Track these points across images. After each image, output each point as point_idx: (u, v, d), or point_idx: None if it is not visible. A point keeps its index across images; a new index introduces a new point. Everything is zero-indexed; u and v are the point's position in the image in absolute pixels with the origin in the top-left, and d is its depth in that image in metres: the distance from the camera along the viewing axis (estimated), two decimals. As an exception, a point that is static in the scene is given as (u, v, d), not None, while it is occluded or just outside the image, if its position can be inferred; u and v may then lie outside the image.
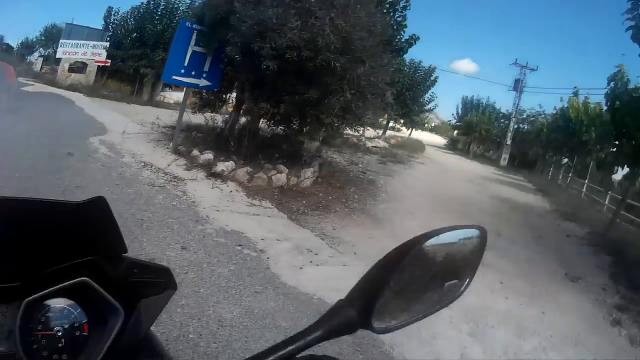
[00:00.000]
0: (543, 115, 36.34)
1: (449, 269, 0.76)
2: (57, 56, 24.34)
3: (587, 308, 6.16)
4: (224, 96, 10.51)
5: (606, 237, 10.86)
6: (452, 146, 44.65)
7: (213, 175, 7.35)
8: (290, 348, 0.59)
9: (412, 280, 0.68)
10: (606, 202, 17.80)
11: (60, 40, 23.95)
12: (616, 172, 13.84)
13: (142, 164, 7.83)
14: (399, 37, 13.36)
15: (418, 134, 38.94)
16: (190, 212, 5.62)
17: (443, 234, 0.72)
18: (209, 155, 8.02)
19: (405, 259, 0.65)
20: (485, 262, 6.03)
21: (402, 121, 29.19)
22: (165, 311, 3.35)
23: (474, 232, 0.79)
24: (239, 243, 5.03)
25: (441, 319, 4.59)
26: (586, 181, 22.25)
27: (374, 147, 18.72)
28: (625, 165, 9.54)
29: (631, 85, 9.15)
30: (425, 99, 26.40)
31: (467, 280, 0.79)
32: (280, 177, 7.92)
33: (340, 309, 0.62)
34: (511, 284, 6.30)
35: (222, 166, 7.61)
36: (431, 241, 0.69)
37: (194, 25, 8.63)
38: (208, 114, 10.04)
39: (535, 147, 29.11)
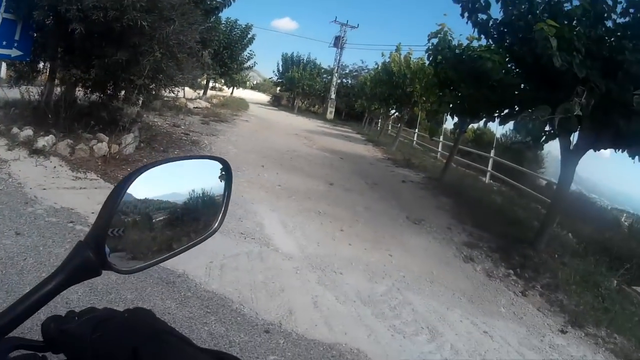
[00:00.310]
0: (366, 70, 38.42)
1: (198, 204, 0.77)
2: None
3: (435, 247, 6.50)
4: (38, 66, 9.26)
5: (442, 181, 11.69)
6: (276, 103, 45.21)
7: (35, 152, 6.82)
8: (32, 300, 0.57)
9: (143, 221, 0.71)
10: (439, 149, 19.29)
11: None
12: (446, 121, 14.83)
13: (-41, 151, 6.79)
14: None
15: (241, 93, 38.52)
16: (18, 195, 5.17)
17: (178, 162, 0.77)
18: (28, 132, 7.37)
19: (120, 195, 0.63)
20: (321, 211, 6.01)
21: (222, 80, 28.76)
22: (16, 298, 2.68)
23: (214, 164, 0.81)
24: (70, 220, 4.73)
25: (284, 271, 4.55)
26: (416, 130, 23.83)
27: (196, 107, 18.16)
28: (452, 114, 10.13)
29: (454, 42, 9.68)
30: (244, 57, 26.05)
31: (221, 214, 0.80)
32: (102, 146, 7.55)
33: (78, 252, 0.61)
34: (352, 230, 6.40)
35: (43, 141, 7.08)
36: (167, 170, 0.72)
37: None
38: (24, 87, 8.93)
39: (361, 100, 30.31)
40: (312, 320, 3.62)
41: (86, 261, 0.62)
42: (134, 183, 0.67)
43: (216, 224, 0.81)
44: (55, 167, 6.40)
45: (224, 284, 3.92)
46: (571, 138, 6.72)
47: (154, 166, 0.71)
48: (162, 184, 0.74)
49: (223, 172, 0.83)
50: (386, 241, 6.15)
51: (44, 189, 5.51)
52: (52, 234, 4.28)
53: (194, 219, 0.80)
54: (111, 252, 0.66)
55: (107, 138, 7.79)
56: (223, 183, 0.84)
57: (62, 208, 4.99)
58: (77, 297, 3.16)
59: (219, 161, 0.83)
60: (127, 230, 0.71)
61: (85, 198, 5.48)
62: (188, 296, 3.58)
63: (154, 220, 0.74)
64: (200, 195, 0.80)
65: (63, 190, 5.63)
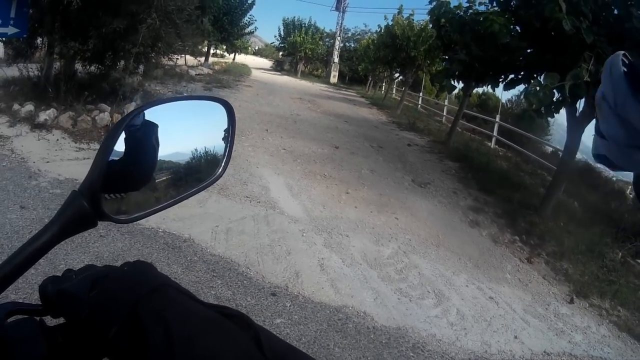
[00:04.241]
0: (369, 33, 37.67)
1: (201, 163, 0.74)
2: None
3: (441, 211, 6.49)
4: (36, 42, 9.13)
5: (448, 145, 11.54)
6: (279, 67, 44.49)
7: (37, 126, 6.82)
8: (25, 255, 0.54)
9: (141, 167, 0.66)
10: (444, 113, 19.05)
11: None
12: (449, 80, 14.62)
13: (-39, 130, 6.79)
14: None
15: (243, 59, 37.90)
16: (22, 169, 5.17)
17: (177, 102, 0.71)
18: (29, 107, 7.36)
19: (112, 140, 0.60)
20: (326, 174, 5.94)
21: (223, 47, 28.24)
22: (23, 278, 2.62)
23: (217, 106, 0.77)
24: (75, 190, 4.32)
25: (291, 234, 4.54)
26: (421, 94, 23.47)
27: (198, 74, 17.85)
28: (458, 78, 9.95)
29: (454, 4, 9.57)
30: (245, 22, 25.54)
31: (224, 161, 0.77)
32: (104, 116, 7.54)
33: (72, 202, 0.58)
34: (358, 193, 6.36)
35: (44, 115, 7.07)
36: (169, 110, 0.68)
37: None
38: (22, 64, 8.82)
39: (364, 64, 29.82)
40: (319, 283, 3.62)
41: (81, 211, 0.57)
42: (127, 124, 0.62)
43: (219, 170, 0.77)
44: (57, 139, 6.40)
45: (230, 247, 3.91)
46: (577, 105, 6.60)
47: (150, 106, 0.65)
48: (162, 127, 0.68)
49: (226, 115, 0.79)
50: (392, 204, 6.12)
51: (47, 162, 5.52)
52: (57, 205, 4.20)
53: (198, 179, 0.76)
54: (114, 214, 0.62)
55: (109, 108, 7.78)
56: (224, 126, 0.79)
57: (66, 179, 5.00)
58: (81, 265, 3.13)
59: (220, 103, 0.78)
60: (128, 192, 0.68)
61: (89, 168, 5.42)
62: (194, 260, 3.57)
63: (157, 181, 0.70)
64: (203, 154, 0.76)
65: (67, 162, 5.64)
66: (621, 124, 0.48)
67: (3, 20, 7.37)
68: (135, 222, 3.58)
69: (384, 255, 4.46)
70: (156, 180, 0.71)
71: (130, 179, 0.67)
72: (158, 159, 0.69)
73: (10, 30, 7.60)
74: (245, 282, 3.42)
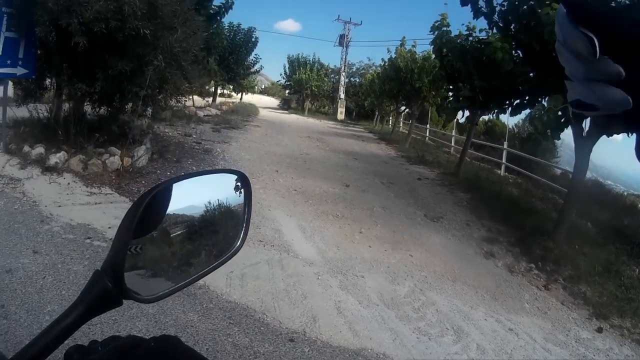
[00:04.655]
0: (373, 67, 38.16)
1: (215, 215, 0.76)
2: None
3: (455, 245, 6.47)
4: (45, 83, 9.28)
5: (458, 176, 11.58)
6: (286, 106, 44.88)
7: (48, 169, 6.89)
8: (51, 336, 0.55)
9: (164, 244, 0.69)
10: (452, 144, 19.12)
11: None
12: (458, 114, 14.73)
13: (-27, 172, 6.87)
14: (212, 1, 12.85)
15: (250, 98, 38.41)
16: (34, 213, 5.20)
17: (192, 178, 0.73)
18: (40, 149, 7.43)
19: (135, 219, 0.60)
20: (339, 214, 5.99)
21: (230, 86, 28.67)
22: (35, 320, 3.02)
23: (232, 177, 0.80)
24: (87, 236, 4.76)
25: (306, 277, 4.54)
26: (428, 126, 23.60)
27: (206, 115, 18.12)
28: (463, 107, 10.06)
29: (455, 32, 9.69)
30: (250, 61, 26.03)
31: (243, 231, 0.79)
32: (114, 160, 7.62)
33: (96, 282, 0.59)
34: (371, 232, 6.35)
35: (55, 158, 7.16)
36: (183, 186, 0.69)
37: (3, 9, 7.36)
38: (31, 105, 8.95)
39: (370, 99, 30.11)
40: (336, 327, 3.62)
41: (105, 291, 0.59)
42: (146, 204, 0.64)
43: (239, 242, 0.80)
44: (69, 183, 6.47)
45: (246, 293, 3.93)
46: (583, 125, 6.64)
47: (166, 185, 0.68)
48: (179, 201, 0.72)
49: (240, 186, 0.82)
50: (406, 241, 6.12)
51: (59, 206, 5.56)
52: (70, 250, 4.33)
53: (213, 232, 0.79)
54: (130, 270, 0.63)
55: (119, 151, 7.83)
56: (242, 197, 0.83)
57: (78, 224, 5.03)
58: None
59: (236, 174, 0.81)
60: (145, 247, 0.70)
61: (101, 213, 5.53)
62: (210, 308, 3.60)
63: (172, 235, 0.73)
64: (217, 206, 0.79)
65: (78, 207, 5.68)
66: (575, 58, 0.54)
67: (12, 60, 7.58)
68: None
69: (400, 295, 4.45)
70: (171, 235, 0.73)
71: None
72: (172, 213, 0.72)
73: (19, 70, 7.82)
74: (262, 328, 3.43)
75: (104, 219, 5.33)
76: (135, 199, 0.63)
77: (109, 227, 5.06)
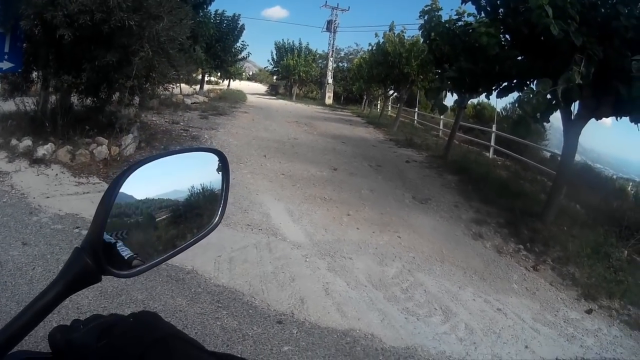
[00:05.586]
0: (361, 52, 37.97)
1: (199, 199, 0.76)
2: None
3: (443, 226, 6.48)
4: (31, 76, 9.30)
5: (446, 159, 11.62)
6: (274, 92, 44.60)
7: (35, 161, 6.86)
8: (31, 313, 0.55)
9: (141, 221, 0.69)
10: (440, 127, 19.11)
11: None
12: (445, 98, 14.63)
13: (-40, 166, 6.79)
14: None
15: (238, 85, 38.19)
16: (22, 205, 5.17)
17: (171, 156, 0.73)
18: (27, 142, 7.41)
19: (112, 197, 0.62)
20: (327, 197, 5.96)
21: (218, 74, 28.29)
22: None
23: (210, 156, 0.80)
24: (76, 225, 4.75)
25: (294, 259, 4.55)
26: (416, 109, 23.57)
27: (194, 103, 17.99)
28: (452, 90, 9.99)
29: (445, 17, 9.60)
30: (237, 48, 25.79)
31: (220, 208, 0.79)
32: (102, 149, 7.56)
33: (76, 259, 0.59)
34: (359, 214, 6.35)
35: (43, 150, 7.11)
36: (162, 164, 0.70)
37: None
38: (18, 99, 8.91)
39: (358, 83, 30.00)
40: (325, 308, 3.61)
41: (84, 268, 0.59)
42: (127, 181, 0.65)
43: (217, 219, 0.80)
44: (57, 174, 6.42)
45: (234, 277, 3.91)
46: (572, 108, 6.64)
47: (145, 163, 0.68)
48: (159, 181, 0.73)
49: (220, 164, 0.81)
50: (394, 223, 6.12)
51: (48, 197, 5.52)
52: (59, 241, 4.29)
53: (197, 215, 0.79)
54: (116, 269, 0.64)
55: (107, 141, 7.79)
56: (220, 175, 0.82)
57: (66, 214, 5.00)
58: (87, 302, 3.18)
59: (214, 153, 0.81)
60: (131, 232, 0.70)
61: (89, 202, 5.47)
62: (198, 292, 3.57)
63: (157, 220, 0.73)
64: (201, 190, 0.79)
65: (67, 197, 5.64)
66: None
67: None
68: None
69: (388, 275, 4.44)
70: (156, 219, 0.73)
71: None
72: (156, 197, 0.73)
73: (5, 64, 7.81)
74: (250, 311, 3.41)
75: (92, 207, 5.14)
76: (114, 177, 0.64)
77: (98, 216, 4.99)
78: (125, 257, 0.67)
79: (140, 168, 0.67)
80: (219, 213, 0.80)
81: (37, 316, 0.56)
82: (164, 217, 0.74)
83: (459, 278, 4.69)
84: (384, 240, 5.41)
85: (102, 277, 0.63)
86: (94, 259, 0.59)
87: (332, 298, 3.79)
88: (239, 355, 0.64)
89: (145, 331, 0.60)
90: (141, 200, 0.71)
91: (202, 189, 0.79)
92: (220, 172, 0.82)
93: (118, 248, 0.66)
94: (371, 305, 3.79)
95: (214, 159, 0.81)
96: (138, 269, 0.68)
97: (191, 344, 0.59)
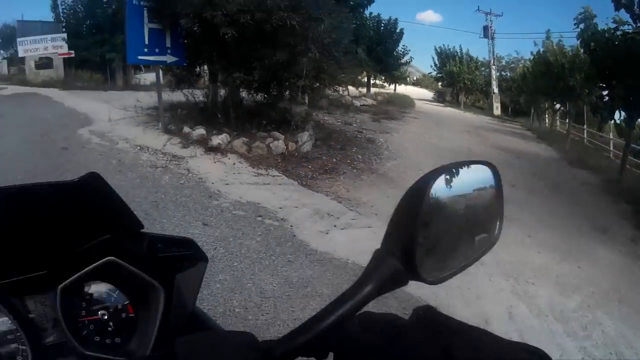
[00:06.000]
0: (522, 61, 35.85)
1: (471, 214, 0.70)
2: (19, 55, 22.73)
3: (620, 261, 6.17)
4: (196, 70, 10.29)
5: (621, 185, 10.89)
6: (440, 98, 42.80)
7: (211, 149, 7.32)
8: (344, 309, 0.54)
9: (438, 230, 0.62)
10: (611, 148, 17.63)
11: (17, 39, 22.49)
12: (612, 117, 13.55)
13: (138, 147, 7.73)
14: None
15: (403, 89, 38.11)
16: (200, 189, 5.62)
17: (448, 170, 0.68)
18: (201, 131, 7.93)
19: (423, 204, 0.57)
20: (507, 215, 6.13)
21: (382, 77, 29.00)
22: (205, 286, 3.25)
23: (482, 169, 0.75)
24: (258, 214, 5.10)
25: (479, 277, 4.62)
26: (585, 127, 21.95)
27: (362, 105, 18.35)
28: (619, 108, 9.34)
29: (602, 27, 9.01)
30: (399, 52, 26.09)
31: (497, 225, 0.72)
32: (278, 144, 7.90)
33: (383, 260, 0.57)
34: (539, 237, 6.30)
35: (217, 139, 7.55)
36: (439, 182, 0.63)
37: (142, 2, 8.21)
38: (186, 90, 9.88)
39: (524, 95, 28.55)
40: (507, 334, 3.75)
41: (395, 271, 0.56)
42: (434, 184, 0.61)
43: (496, 232, 0.72)
44: (234, 163, 6.91)
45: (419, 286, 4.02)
46: None
47: (445, 171, 0.65)
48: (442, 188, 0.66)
49: (493, 177, 0.77)
50: (573, 251, 6.03)
51: (227, 184, 5.97)
52: (241, 226, 4.70)
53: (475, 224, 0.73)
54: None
55: (282, 136, 8.10)
56: (492, 188, 0.78)
57: (248, 202, 5.41)
58: (271, 288, 3.63)
59: (486, 165, 0.76)
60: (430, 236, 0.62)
61: (271, 194, 5.91)
62: (385, 295, 3.96)
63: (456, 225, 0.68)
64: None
65: (246, 186, 6.05)
66: None
67: (160, 49, 8.29)
68: (325, 252, 4.07)
69: (569, 308, 4.50)
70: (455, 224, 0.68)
71: None
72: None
73: (169, 58, 8.55)
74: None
75: (274, 199, 5.72)
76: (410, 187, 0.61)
77: (280, 208, 5.46)
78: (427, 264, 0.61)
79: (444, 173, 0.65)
80: (497, 227, 0.73)
81: (350, 312, 0.55)
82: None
83: (635, 324, 4.57)
84: (564, 270, 5.40)
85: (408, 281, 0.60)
86: (406, 263, 0.56)
87: (514, 323, 4.05)
88: None
89: (441, 325, 0.58)
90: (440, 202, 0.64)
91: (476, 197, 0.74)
92: (492, 185, 0.78)
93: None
94: (551, 337, 3.95)
95: (485, 171, 0.78)
96: (443, 275, 0.63)
97: (491, 336, 0.55)
